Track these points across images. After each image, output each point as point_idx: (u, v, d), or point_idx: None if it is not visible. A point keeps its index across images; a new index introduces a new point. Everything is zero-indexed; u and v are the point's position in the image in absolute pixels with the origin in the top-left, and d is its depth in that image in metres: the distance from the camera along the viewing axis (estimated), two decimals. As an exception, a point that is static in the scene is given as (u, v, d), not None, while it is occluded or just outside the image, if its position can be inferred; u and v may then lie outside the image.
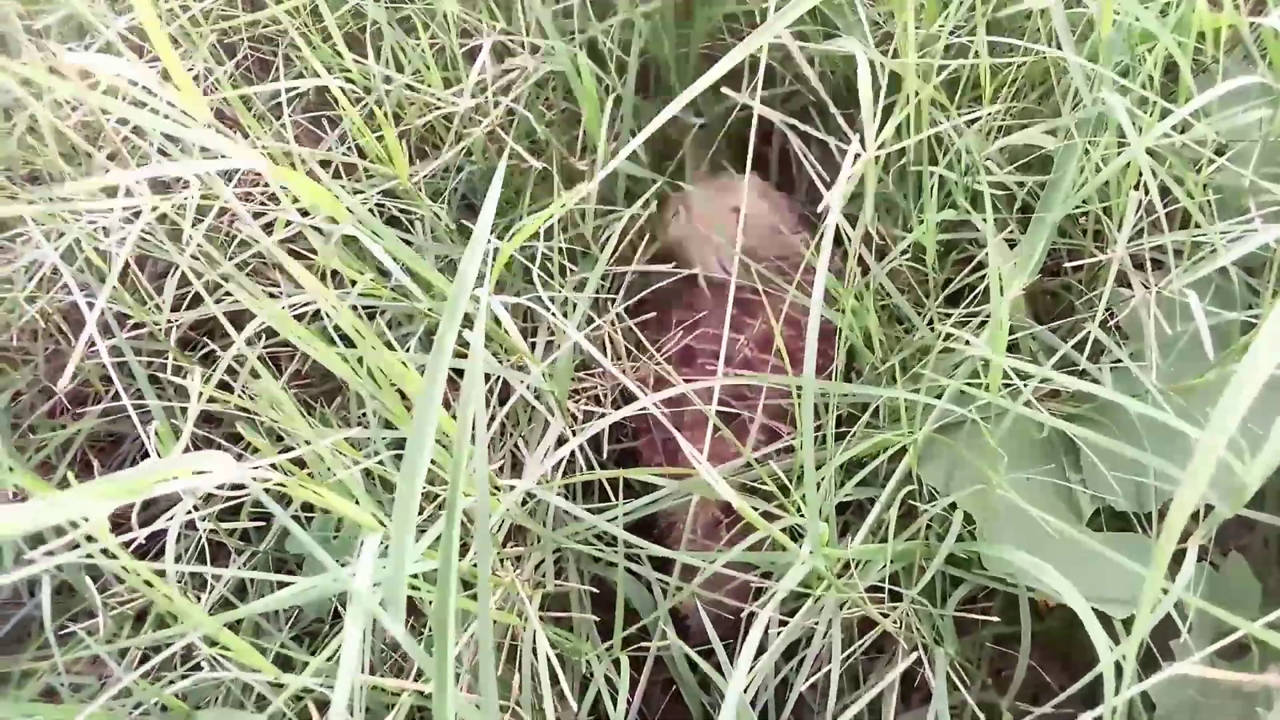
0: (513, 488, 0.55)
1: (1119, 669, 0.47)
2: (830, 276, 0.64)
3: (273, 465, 0.42)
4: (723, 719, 0.38)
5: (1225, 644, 0.61)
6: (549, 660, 0.55)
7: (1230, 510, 0.51)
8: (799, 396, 0.50)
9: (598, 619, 0.65)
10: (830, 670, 0.59)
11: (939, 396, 0.58)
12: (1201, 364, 0.59)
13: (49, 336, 0.71)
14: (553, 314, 0.53)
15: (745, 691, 0.56)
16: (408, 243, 0.70)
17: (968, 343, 0.57)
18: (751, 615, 0.68)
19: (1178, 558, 0.51)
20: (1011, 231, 0.70)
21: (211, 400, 0.54)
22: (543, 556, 0.65)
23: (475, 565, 0.50)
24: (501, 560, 0.59)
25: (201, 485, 0.36)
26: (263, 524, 0.66)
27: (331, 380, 0.75)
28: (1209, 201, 0.60)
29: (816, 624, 0.60)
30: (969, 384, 0.59)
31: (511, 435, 0.67)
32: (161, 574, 0.42)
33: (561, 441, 0.59)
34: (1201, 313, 0.54)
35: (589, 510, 0.60)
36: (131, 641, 0.47)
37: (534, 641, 0.56)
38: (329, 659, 0.45)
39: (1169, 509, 0.35)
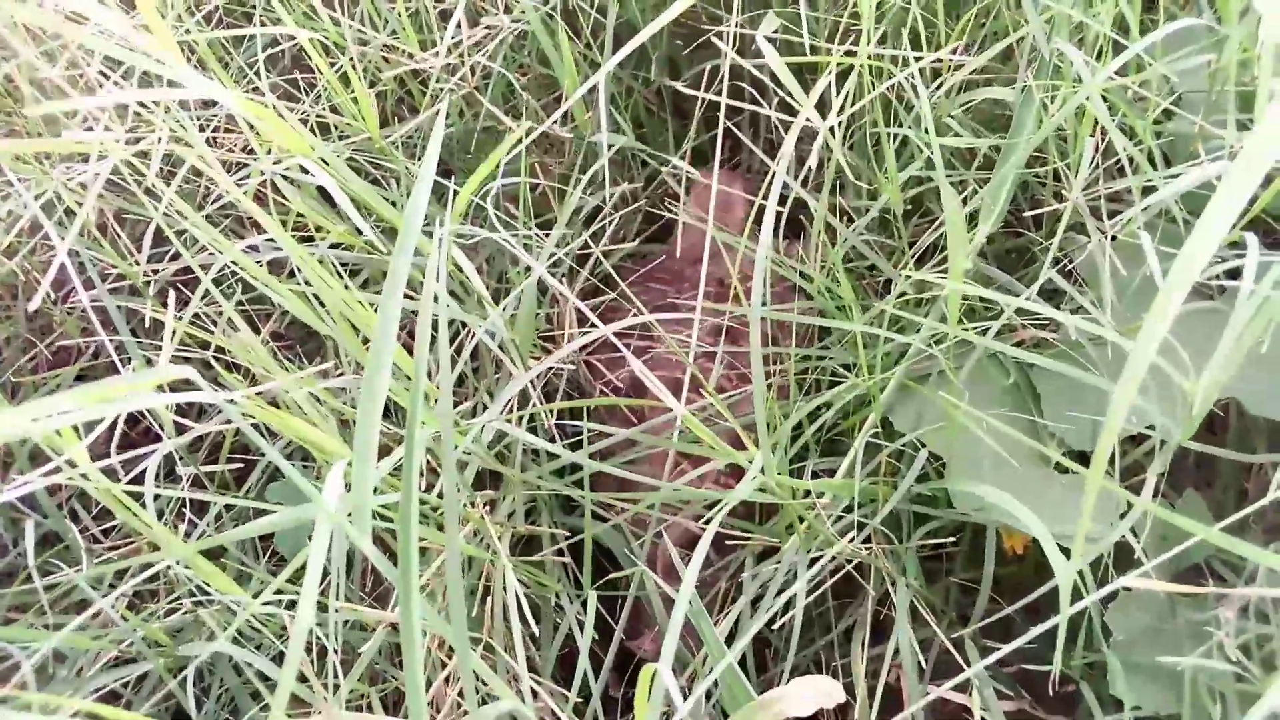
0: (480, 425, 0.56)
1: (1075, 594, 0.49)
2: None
3: (245, 398, 0.43)
4: (675, 614, 0.39)
5: (1180, 573, 0.62)
6: (518, 597, 0.56)
7: (1180, 436, 0.53)
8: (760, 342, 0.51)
9: (568, 560, 0.66)
10: (796, 614, 0.60)
11: (900, 330, 0.60)
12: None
13: (30, 293, 0.72)
14: (510, 245, 0.54)
15: (718, 624, 0.58)
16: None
17: (928, 302, 0.58)
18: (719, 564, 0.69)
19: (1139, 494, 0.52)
20: (974, 191, 0.72)
21: (189, 344, 0.55)
22: (513, 507, 0.66)
23: (442, 496, 0.51)
24: (472, 502, 0.60)
25: (174, 400, 0.37)
26: (242, 466, 0.67)
27: (311, 340, 0.76)
28: (1159, 148, 0.62)
29: (778, 566, 0.61)
30: (934, 326, 0.61)
31: (478, 389, 0.68)
32: (139, 498, 0.43)
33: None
34: (1153, 252, 0.56)
35: (558, 453, 0.61)
36: (111, 567, 0.48)
37: (504, 579, 0.58)
38: (293, 579, 0.46)
39: (1126, 441, 0.36)
